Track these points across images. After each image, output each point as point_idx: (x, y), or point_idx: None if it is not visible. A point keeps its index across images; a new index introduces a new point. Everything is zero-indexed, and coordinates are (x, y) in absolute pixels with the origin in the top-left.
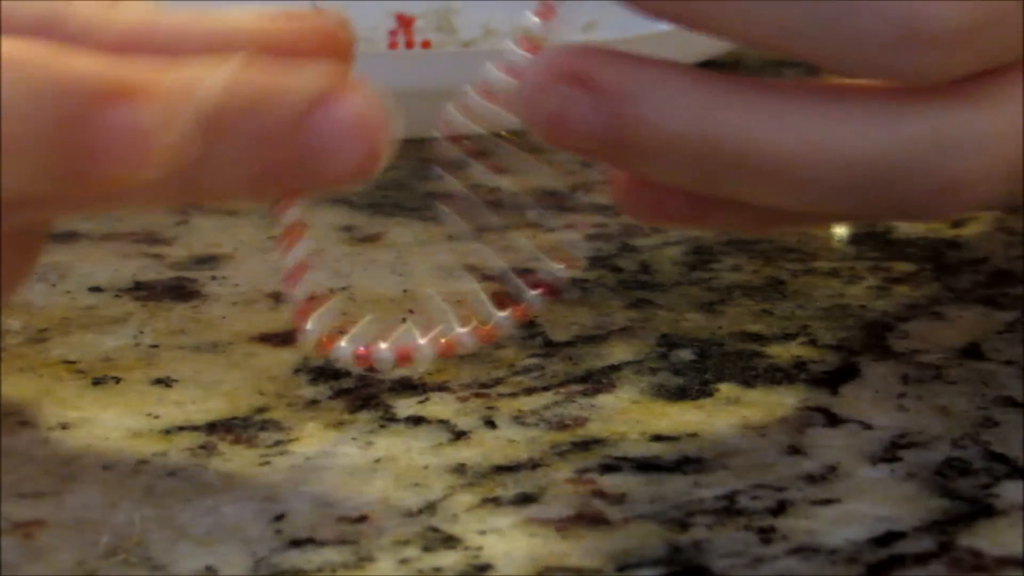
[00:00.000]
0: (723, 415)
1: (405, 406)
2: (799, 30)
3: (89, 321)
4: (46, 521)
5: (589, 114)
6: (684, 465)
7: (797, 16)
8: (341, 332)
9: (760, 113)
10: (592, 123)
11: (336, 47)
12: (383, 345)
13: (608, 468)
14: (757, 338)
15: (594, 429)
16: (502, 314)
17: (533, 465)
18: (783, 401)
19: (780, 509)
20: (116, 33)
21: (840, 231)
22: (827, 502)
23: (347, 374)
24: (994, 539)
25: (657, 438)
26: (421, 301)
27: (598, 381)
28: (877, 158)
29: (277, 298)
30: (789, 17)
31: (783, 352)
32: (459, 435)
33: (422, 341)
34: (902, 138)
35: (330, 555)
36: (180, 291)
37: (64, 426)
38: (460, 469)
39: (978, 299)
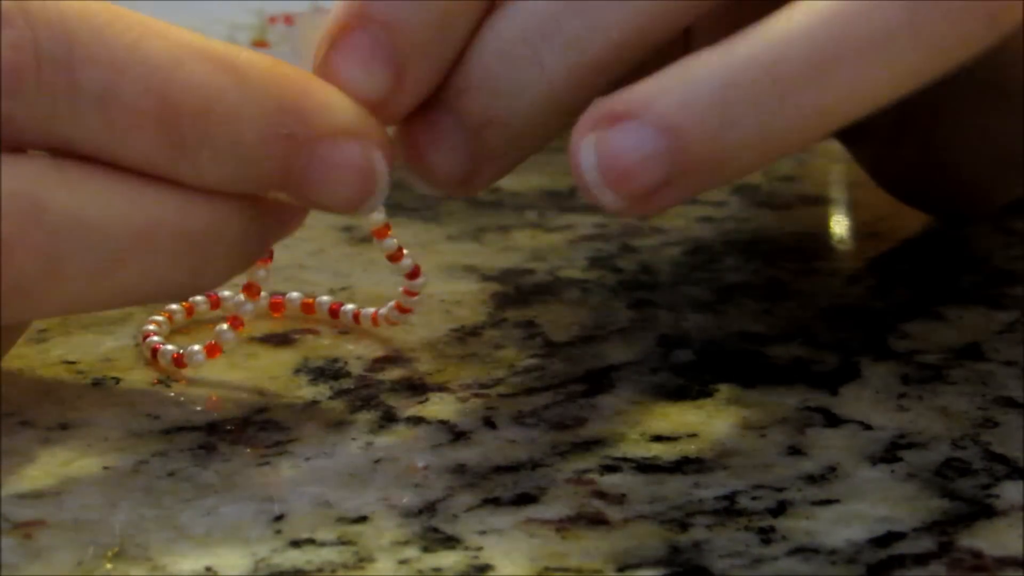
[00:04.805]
0: (723, 415)
1: (405, 406)
2: None
3: (89, 321)
4: (46, 521)
5: (643, 142)
6: (684, 465)
7: None
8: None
9: None
10: (649, 148)
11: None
12: (196, 347)
13: (608, 468)
14: (757, 338)
15: (594, 429)
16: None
17: (533, 465)
18: (783, 401)
19: (780, 509)
20: None
21: (840, 231)
22: (827, 502)
23: (347, 374)
24: (994, 539)
25: (657, 438)
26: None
27: (598, 381)
28: None
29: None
30: None
31: (783, 352)
32: (459, 435)
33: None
34: None
35: (330, 555)
36: None
37: (64, 426)
38: (460, 469)
39: (978, 299)
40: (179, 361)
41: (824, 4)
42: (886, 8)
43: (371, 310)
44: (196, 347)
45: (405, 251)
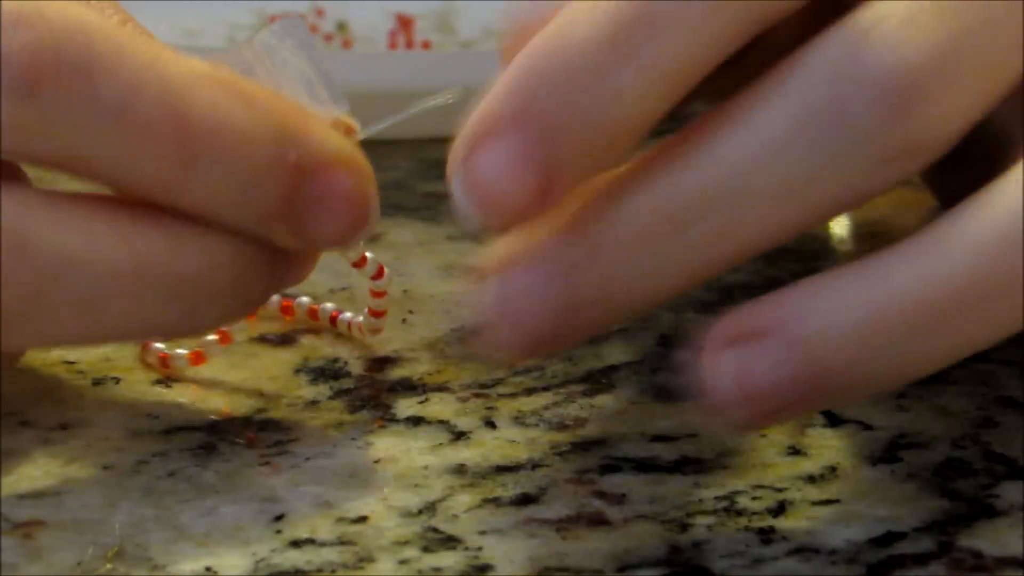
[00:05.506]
0: (723, 415)
1: (405, 406)
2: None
3: None
4: (46, 521)
5: (782, 366)
6: (684, 465)
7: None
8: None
9: None
10: (787, 373)
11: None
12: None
13: (608, 468)
14: None
15: (594, 429)
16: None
17: (533, 465)
18: None
19: (780, 509)
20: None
21: (840, 231)
22: (827, 502)
23: (347, 374)
24: (994, 539)
25: (657, 438)
26: (421, 301)
27: (598, 381)
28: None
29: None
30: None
31: None
32: (459, 435)
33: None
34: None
35: (330, 555)
36: None
37: (64, 426)
38: (460, 469)
39: None
40: (164, 361)
41: (972, 239)
42: None
43: (349, 315)
44: (182, 351)
45: (368, 254)
